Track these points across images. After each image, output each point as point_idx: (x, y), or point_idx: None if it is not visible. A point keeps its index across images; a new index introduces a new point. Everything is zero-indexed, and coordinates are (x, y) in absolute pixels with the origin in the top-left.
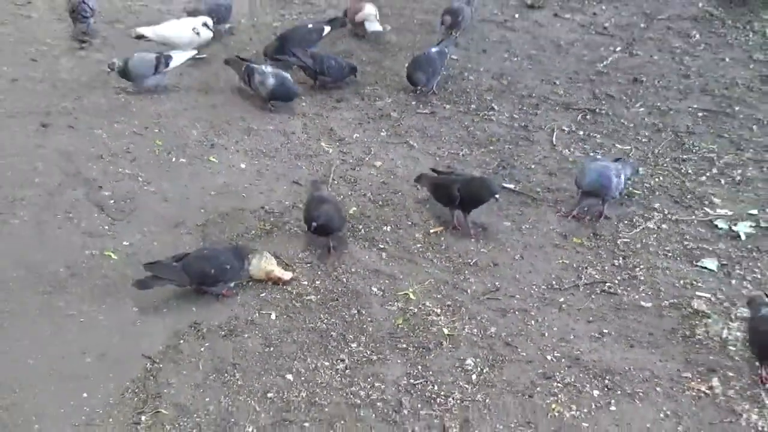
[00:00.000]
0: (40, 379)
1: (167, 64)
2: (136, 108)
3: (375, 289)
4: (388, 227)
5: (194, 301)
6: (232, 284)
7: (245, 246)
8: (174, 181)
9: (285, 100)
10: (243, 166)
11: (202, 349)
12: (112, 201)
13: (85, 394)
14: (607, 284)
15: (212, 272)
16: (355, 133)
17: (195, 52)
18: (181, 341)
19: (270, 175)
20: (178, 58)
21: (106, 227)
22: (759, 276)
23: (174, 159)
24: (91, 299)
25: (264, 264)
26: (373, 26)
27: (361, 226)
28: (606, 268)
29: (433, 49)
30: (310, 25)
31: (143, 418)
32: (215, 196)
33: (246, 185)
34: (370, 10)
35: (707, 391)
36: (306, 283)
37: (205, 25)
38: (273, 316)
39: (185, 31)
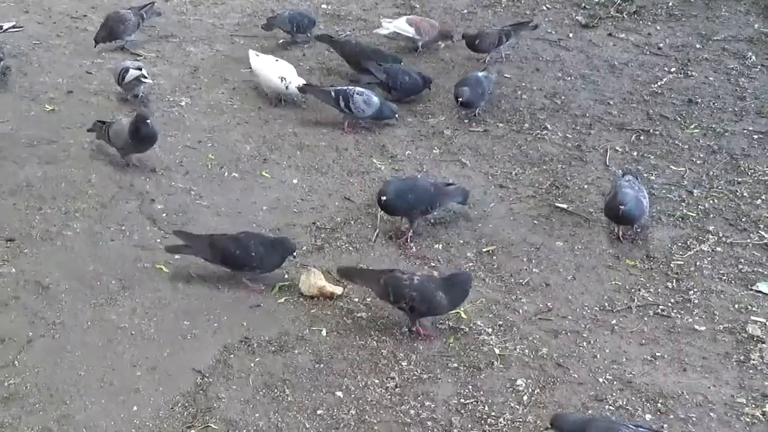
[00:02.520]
0: (91, 391)
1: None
2: (189, 122)
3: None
4: (440, 245)
5: (245, 315)
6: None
7: (288, 241)
8: (226, 195)
9: (389, 117)
10: (295, 181)
11: (253, 365)
12: (164, 214)
13: (135, 407)
14: (660, 307)
15: (236, 254)
16: (408, 151)
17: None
18: (232, 356)
19: (322, 191)
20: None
21: (159, 240)
22: None
23: (226, 173)
24: (143, 312)
25: (313, 279)
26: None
27: (412, 244)
28: (659, 290)
29: (480, 73)
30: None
31: None
32: (267, 211)
33: (298, 201)
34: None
35: (762, 417)
36: (357, 299)
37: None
38: (323, 333)
39: (274, 76)
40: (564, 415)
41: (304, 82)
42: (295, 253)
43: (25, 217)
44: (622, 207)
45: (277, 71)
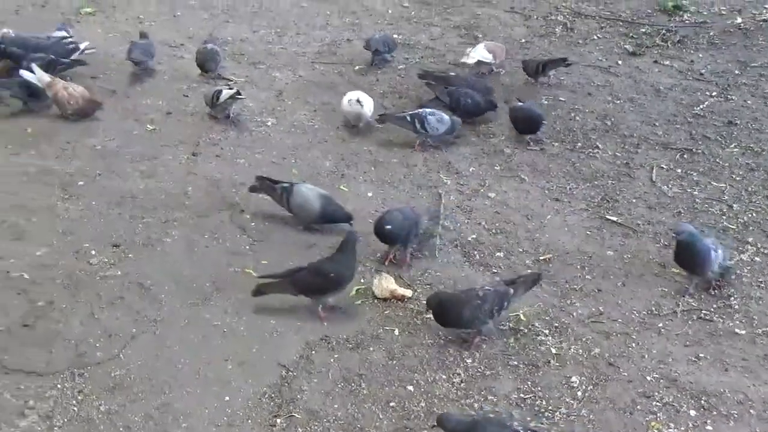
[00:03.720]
0: (188, 382)
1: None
2: (275, 140)
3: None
4: (501, 253)
5: (326, 316)
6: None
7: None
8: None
9: (457, 129)
10: (370, 194)
11: (332, 360)
12: (252, 224)
13: (227, 397)
14: (703, 311)
15: (316, 283)
16: (471, 167)
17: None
18: (313, 352)
19: (394, 203)
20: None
21: (247, 247)
22: None
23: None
24: (234, 312)
25: (386, 283)
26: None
27: (476, 252)
28: (702, 296)
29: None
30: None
31: (278, 421)
32: (346, 223)
33: (372, 212)
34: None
35: None
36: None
37: (358, 101)
38: (396, 332)
39: (344, 99)
40: (449, 414)
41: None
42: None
43: (129, 226)
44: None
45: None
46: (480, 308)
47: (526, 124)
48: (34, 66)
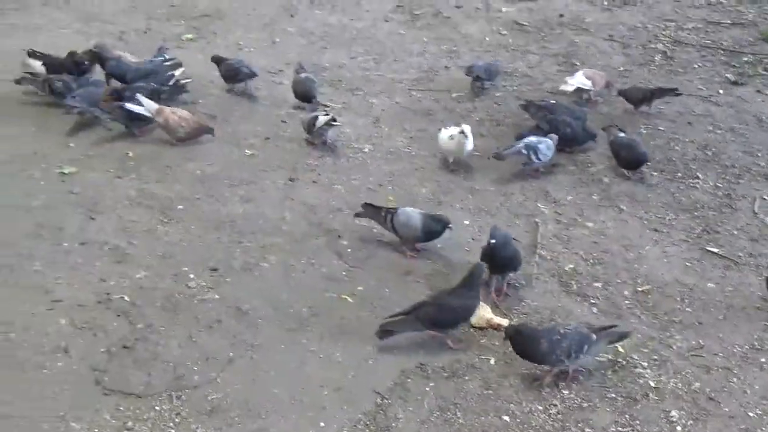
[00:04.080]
0: (284, 408)
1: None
2: (372, 167)
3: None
4: (599, 284)
5: (421, 343)
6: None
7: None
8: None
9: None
10: (466, 222)
11: (427, 388)
12: (349, 250)
13: (322, 423)
14: None
15: (443, 317)
16: (569, 196)
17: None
18: (409, 380)
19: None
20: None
21: (344, 273)
22: None
23: None
24: (330, 337)
25: (482, 312)
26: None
27: (573, 282)
28: None
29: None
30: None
31: None
32: (441, 249)
33: (469, 240)
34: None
35: None
36: None
37: (462, 133)
38: (492, 361)
39: (443, 135)
40: None
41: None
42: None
43: (228, 250)
44: None
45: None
46: (557, 345)
47: (628, 161)
48: (139, 97)
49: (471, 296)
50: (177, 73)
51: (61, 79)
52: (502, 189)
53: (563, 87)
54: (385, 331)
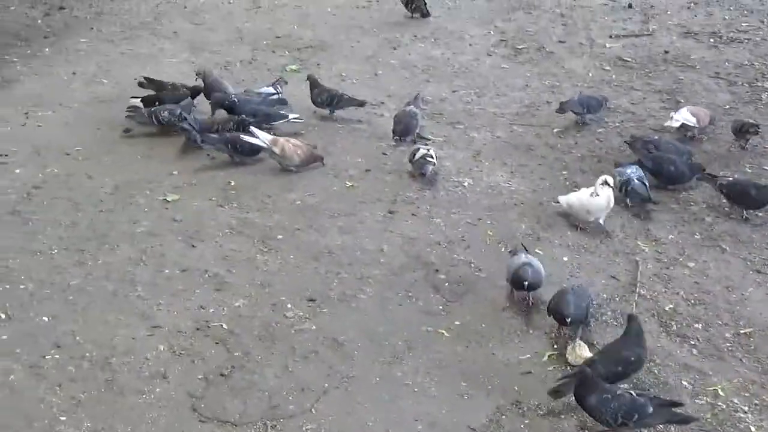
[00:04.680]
0: None
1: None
2: (471, 201)
3: (685, 383)
4: (699, 325)
5: (517, 380)
6: None
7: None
8: (503, 268)
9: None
10: (565, 259)
11: (522, 426)
12: (446, 284)
13: None
14: None
15: None
16: (670, 235)
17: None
18: (504, 417)
19: (589, 269)
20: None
21: (441, 307)
22: None
23: (503, 249)
24: (425, 372)
25: (579, 350)
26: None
27: (673, 323)
28: None
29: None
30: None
31: None
32: (541, 286)
33: (567, 277)
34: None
35: None
36: None
37: (606, 182)
38: None
39: (584, 197)
40: None
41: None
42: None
43: (325, 280)
44: None
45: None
46: (605, 404)
47: (746, 200)
48: (254, 129)
49: (638, 345)
50: (291, 116)
51: (167, 108)
52: (603, 226)
53: (668, 123)
54: (557, 392)
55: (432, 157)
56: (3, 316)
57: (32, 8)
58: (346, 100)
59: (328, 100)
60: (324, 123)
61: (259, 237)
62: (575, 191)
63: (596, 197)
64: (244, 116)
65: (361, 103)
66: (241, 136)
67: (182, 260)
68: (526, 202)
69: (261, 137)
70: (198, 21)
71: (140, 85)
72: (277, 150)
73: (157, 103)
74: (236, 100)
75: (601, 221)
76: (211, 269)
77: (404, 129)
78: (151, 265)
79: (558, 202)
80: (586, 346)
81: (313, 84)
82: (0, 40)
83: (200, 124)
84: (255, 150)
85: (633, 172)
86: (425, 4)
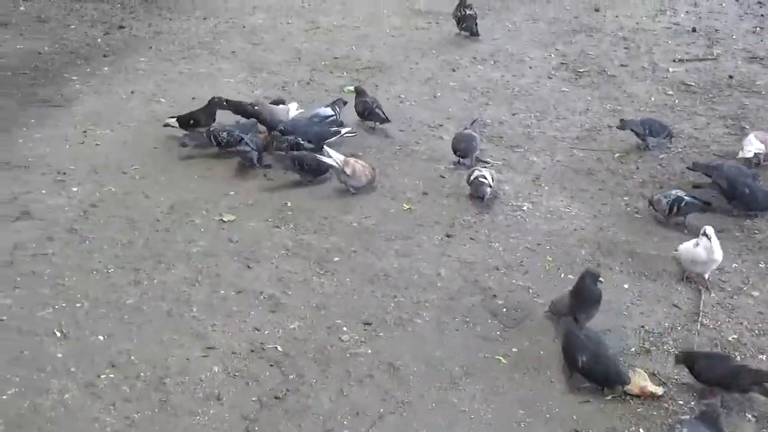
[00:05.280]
0: None
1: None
2: (530, 225)
3: (749, 416)
4: (764, 356)
5: (575, 409)
6: None
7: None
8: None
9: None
10: (626, 286)
11: None
12: (504, 309)
13: None
14: None
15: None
16: (734, 263)
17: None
18: None
19: (651, 297)
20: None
21: (498, 333)
22: None
23: (563, 275)
24: (482, 398)
25: (638, 379)
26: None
27: (736, 353)
28: None
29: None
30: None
31: None
32: (599, 312)
33: (628, 304)
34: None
35: None
36: (681, 402)
37: (705, 233)
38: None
39: (687, 248)
40: None
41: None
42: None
43: (381, 304)
44: None
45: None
46: None
47: None
48: (327, 149)
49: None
50: (343, 130)
51: (225, 129)
52: (665, 252)
53: (742, 154)
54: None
55: (485, 178)
56: (59, 334)
57: (92, 27)
58: (375, 114)
59: (361, 110)
60: (381, 144)
61: (315, 259)
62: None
63: (697, 248)
64: (298, 138)
65: (385, 119)
66: (318, 156)
67: (238, 281)
68: (586, 227)
69: (335, 157)
70: (256, 41)
71: (220, 107)
72: (348, 171)
73: (191, 122)
74: (283, 128)
75: (706, 275)
76: (266, 291)
77: (465, 150)
78: (206, 286)
79: (677, 251)
80: (645, 375)
81: (359, 94)
82: (60, 58)
83: (257, 143)
84: (322, 169)
85: (678, 191)
86: (476, 24)
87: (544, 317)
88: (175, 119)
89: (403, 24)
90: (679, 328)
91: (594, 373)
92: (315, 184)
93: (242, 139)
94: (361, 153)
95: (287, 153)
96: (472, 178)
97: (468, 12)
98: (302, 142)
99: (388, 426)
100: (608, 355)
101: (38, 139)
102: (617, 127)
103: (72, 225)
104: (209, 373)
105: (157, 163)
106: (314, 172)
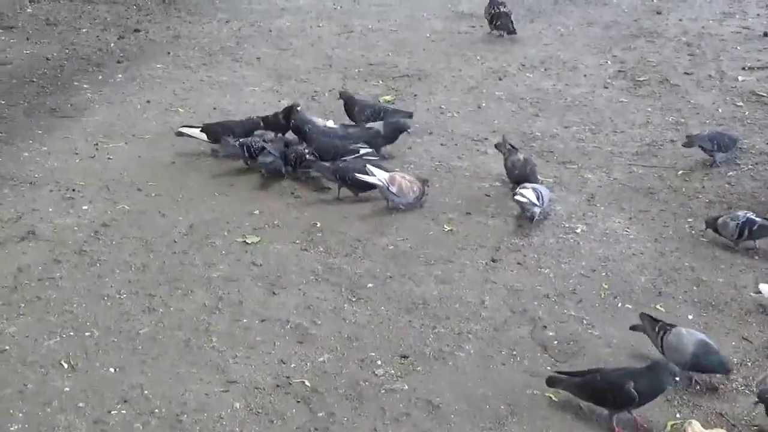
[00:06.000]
0: None
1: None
2: (584, 250)
3: None
4: None
5: None
6: None
7: (665, 368)
8: (618, 326)
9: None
10: (690, 317)
11: None
12: (555, 342)
13: None
14: None
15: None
16: None
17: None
18: None
19: (718, 329)
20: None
21: (549, 368)
22: None
23: (620, 304)
24: None
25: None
26: None
27: None
28: None
29: None
30: None
31: None
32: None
33: None
34: None
35: None
36: None
37: None
38: None
39: None
40: None
41: None
42: (677, 378)
43: (420, 335)
44: None
45: None
46: None
47: None
48: (370, 167)
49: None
50: (363, 151)
51: (263, 138)
52: (733, 281)
53: None
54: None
55: (524, 196)
56: (66, 366)
57: (105, 31)
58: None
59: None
60: (420, 159)
61: (346, 285)
62: None
63: None
64: (305, 152)
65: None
66: (357, 174)
67: (262, 309)
68: (646, 252)
69: (377, 175)
70: (283, 46)
71: (257, 127)
72: (394, 189)
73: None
74: (307, 130)
75: None
76: (293, 320)
77: (520, 178)
78: (227, 314)
79: (759, 292)
80: (698, 423)
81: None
82: (70, 65)
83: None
84: (368, 185)
85: (748, 213)
86: (511, 21)
87: (598, 351)
88: (193, 128)
89: (445, 27)
90: (749, 363)
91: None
92: (339, 204)
93: (264, 147)
94: (398, 169)
95: (331, 166)
96: (515, 193)
97: (501, 9)
98: (308, 155)
99: None
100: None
101: (45, 153)
102: (683, 145)
103: (81, 246)
104: (230, 410)
105: (174, 180)
106: (358, 186)
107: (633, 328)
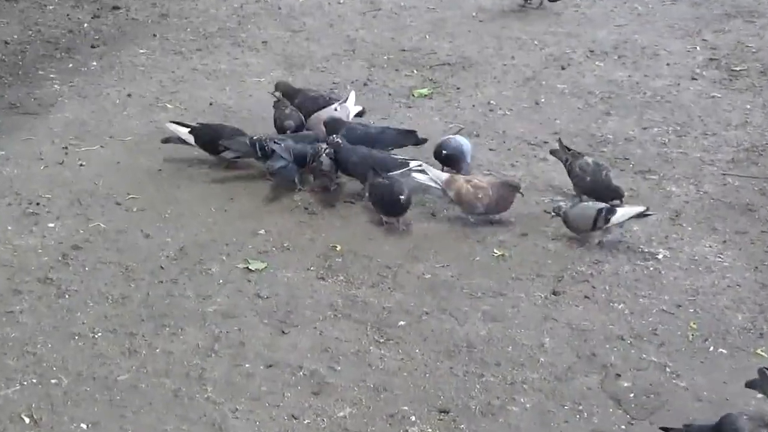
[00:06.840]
0: None
1: (607, 219)
2: (667, 280)
3: None
4: None
5: None
6: None
7: None
8: (710, 375)
9: None
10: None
11: None
12: (632, 394)
13: None
14: None
15: None
16: None
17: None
18: None
19: None
20: (621, 213)
21: (623, 427)
22: None
23: (711, 348)
24: None
25: None
26: None
27: None
28: None
29: None
30: None
31: None
32: (761, 399)
33: None
34: None
35: None
36: None
37: None
38: None
39: None
40: None
41: None
42: None
43: (463, 385)
44: None
45: None
46: None
47: None
48: (425, 167)
49: None
50: (413, 164)
51: (270, 137)
52: None
53: None
54: None
55: (610, 213)
56: (28, 420)
57: (77, 8)
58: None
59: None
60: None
61: (373, 323)
62: None
63: None
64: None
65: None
66: (414, 174)
67: (268, 352)
68: (744, 284)
69: (432, 175)
70: (296, 27)
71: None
72: (452, 194)
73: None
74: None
75: None
76: (306, 365)
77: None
78: (226, 357)
79: None
80: None
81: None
82: (33, 50)
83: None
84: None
85: None
86: None
87: (685, 405)
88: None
89: (494, 4)
90: None
91: None
92: (378, 220)
93: (273, 150)
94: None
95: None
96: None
97: None
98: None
99: None
100: None
101: (3, 158)
102: None
103: (47, 273)
104: None
105: (160, 191)
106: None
107: (750, 385)
